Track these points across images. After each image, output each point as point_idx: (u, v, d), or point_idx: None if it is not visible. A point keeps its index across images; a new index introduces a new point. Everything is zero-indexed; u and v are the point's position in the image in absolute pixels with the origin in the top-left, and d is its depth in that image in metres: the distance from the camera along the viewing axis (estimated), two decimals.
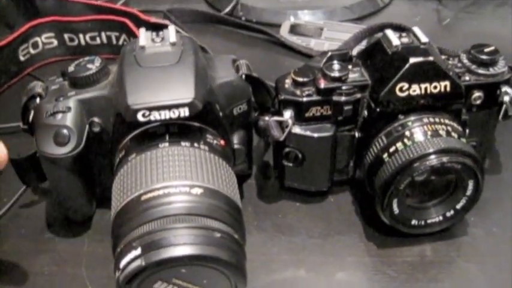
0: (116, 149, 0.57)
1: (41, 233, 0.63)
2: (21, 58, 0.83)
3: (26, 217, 0.64)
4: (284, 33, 0.92)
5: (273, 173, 0.68)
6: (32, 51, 0.84)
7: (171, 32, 0.56)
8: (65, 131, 0.55)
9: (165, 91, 0.52)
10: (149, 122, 0.52)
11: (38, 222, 0.63)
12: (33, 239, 0.62)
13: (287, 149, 0.61)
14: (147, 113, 0.51)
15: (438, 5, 1.02)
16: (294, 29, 0.93)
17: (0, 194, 0.65)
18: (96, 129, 0.57)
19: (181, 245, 0.46)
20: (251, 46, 0.91)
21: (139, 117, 0.51)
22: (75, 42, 0.88)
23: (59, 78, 0.60)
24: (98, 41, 0.89)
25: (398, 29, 0.75)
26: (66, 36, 0.87)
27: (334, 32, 0.91)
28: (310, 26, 0.92)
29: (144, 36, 0.57)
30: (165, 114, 0.52)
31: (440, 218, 0.60)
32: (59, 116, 0.56)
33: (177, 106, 0.52)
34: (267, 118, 0.60)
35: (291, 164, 0.62)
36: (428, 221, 0.60)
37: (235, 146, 0.59)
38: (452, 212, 0.59)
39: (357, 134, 0.61)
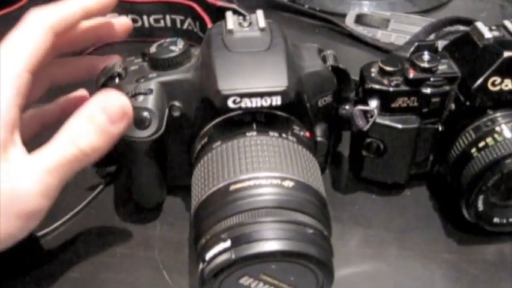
0: (196, 135, 0.52)
1: (111, 217, 0.59)
2: None
3: (96, 202, 0.60)
4: (350, 23, 0.86)
5: (347, 164, 0.63)
6: None
7: (260, 17, 0.52)
8: (146, 114, 0.50)
9: (257, 78, 0.48)
10: (239, 109, 0.47)
11: (107, 206, 0.59)
12: (103, 222, 0.58)
13: (368, 140, 0.56)
14: (238, 99, 0.47)
15: (503, 1, 0.95)
16: (360, 20, 0.87)
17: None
18: (176, 113, 0.52)
19: (274, 239, 0.42)
20: (314, 35, 0.85)
21: (229, 103, 0.47)
22: (139, 24, 0.83)
23: (137, 59, 0.55)
24: (162, 23, 0.84)
25: (468, 23, 0.71)
26: (129, 17, 0.81)
27: (401, 24, 0.86)
28: (377, 17, 0.86)
29: (231, 19, 0.52)
30: (256, 102, 0.47)
31: None
32: (141, 97, 0.51)
33: (270, 94, 0.47)
34: (347, 107, 0.55)
35: (371, 155, 0.56)
36: (511, 220, 0.55)
37: (318, 139, 0.55)
38: None
39: (440, 128, 0.55)
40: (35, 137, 0.52)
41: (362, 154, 0.58)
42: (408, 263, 0.55)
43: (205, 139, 0.50)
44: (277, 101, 0.47)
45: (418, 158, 0.58)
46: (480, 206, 0.53)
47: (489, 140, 0.52)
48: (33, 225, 0.45)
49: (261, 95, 0.47)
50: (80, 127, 0.46)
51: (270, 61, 0.49)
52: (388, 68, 0.54)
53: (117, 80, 0.53)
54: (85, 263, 0.54)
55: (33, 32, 0.48)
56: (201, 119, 0.52)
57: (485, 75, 0.52)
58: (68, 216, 0.58)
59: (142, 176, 0.56)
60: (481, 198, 0.53)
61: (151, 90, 0.51)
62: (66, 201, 0.52)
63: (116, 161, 0.58)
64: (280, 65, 0.48)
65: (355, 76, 0.57)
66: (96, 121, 0.46)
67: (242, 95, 0.47)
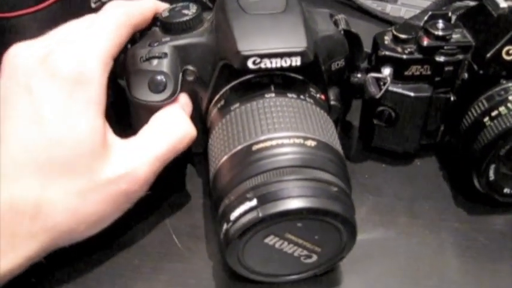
0: (211, 99, 0.52)
1: None
2: (93, 5, 0.78)
3: None
4: None
5: (356, 133, 0.63)
6: None
7: None
8: (161, 77, 0.51)
9: (276, 39, 0.48)
10: (258, 70, 0.47)
11: None
12: None
13: (380, 108, 0.56)
14: (258, 60, 0.47)
15: None
16: None
17: None
18: (190, 77, 0.52)
19: (300, 197, 0.42)
20: (323, 8, 0.85)
21: (250, 64, 0.47)
22: None
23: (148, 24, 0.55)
24: None
25: None
26: None
27: None
28: None
29: None
30: (276, 63, 0.48)
31: None
32: (155, 61, 0.51)
33: (290, 54, 0.48)
34: (359, 75, 0.56)
35: (382, 124, 0.57)
36: None
37: (332, 102, 0.55)
38: None
39: (452, 97, 0.56)
40: None
41: (373, 122, 0.59)
42: (418, 231, 0.55)
43: (222, 102, 0.51)
44: (296, 61, 0.48)
45: (429, 127, 0.59)
46: (491, 175, 0.54)
47: (502, 109, 0.53)
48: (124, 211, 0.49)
49: (281, 55, 0.48)
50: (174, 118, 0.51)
51: (288, 22, 0.49)
52: (402, 36, 0.55)
53: (129, 45, 0.53)
54: None
55: (122, 20, 0.50)
56: (216, 83, 0.52)
57: (499, 44, 0.53)
58: None
59: None
60: (492, 167, 0.53)
61: (165, 54, 0.52)
62: None
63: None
64: (298, 26, 0.49)
65: (365, 48, 0.58)
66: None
67: (262, 56, 0.47)
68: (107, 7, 0.51)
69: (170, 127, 0.49)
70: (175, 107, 0.51)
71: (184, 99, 0.53)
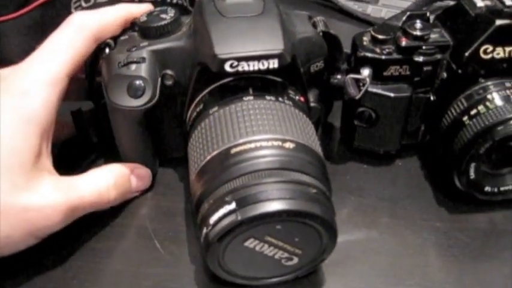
0: (190, 103, 0.52)
1: None
2: (73, 11, 0.78)
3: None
4: None
5: (338, 134, 0.63)
6: (84, 4, 0.79)
7: None
8: (139, 82, 0.50)
9: (253, 41, 0.48)
10: (236, 73, 0.47)
11: None
12: None
13: (360, 109, 0.57)
14: (235, 63, 0.47)
15: None
16: None
17: None
18: (169, 82, 0.53)
19: (279, 199, 0.42)
20: (304, 10, 0.85)
21: (227, 67, 0.47)
22: None
23: (127, 29, 0.55)
24: None
25: None
26: None
27: None
28: None
29: None
30: (254, 66, 0.48)
31: None
32: (133, 66, 0.51)
33: (267, 57, 0.48)
34: (339, 76, 0.56)
35: (363, 124, 0.57)
36: (502, 189, 0.56)
37: (311, 104, 0.55)
38: None
39: (432, 97, 0.56)
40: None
41: (354, 123, 0.59)
42: (400, 231, 0.56)
43: (201, 106, 0.51)
44: (274, 64, 0.48)
45: (410, 127, 0.59)
46: (472, 174, 0.54)
47: (481, 107, 0.53)
48: (39, 240, 0.48)
49: (258, 58, 0.48)
50: (118, 182, 0.53)
51: (265, 25, 0.49)
52: (380, 36, 0.55)
53: (107, 50, 0.53)
54: (75, 233, 0.53)
55: (77, 36, 0.50)
56: (195, 87, 0.53)
57: (477, 43, 0.53)
58: None
59: (134, 146, 0.56)
60: (472, 166, 0.54)
61: (143, 59, 0.51)
62: (59, 169, 0.51)
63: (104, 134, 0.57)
64: (276, 28, 0.49)
65: (346, 49, 0.58)
66: (129, 185, 0.55)
67: (239, 59, 0.47)
68: (67, 20, 0.51)
69: (108, 185, 0.51)
70: (124, 175, 0.54)
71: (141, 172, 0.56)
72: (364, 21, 0.83)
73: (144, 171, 0.55)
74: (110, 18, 0.53)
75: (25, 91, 0.46)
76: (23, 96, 0.46)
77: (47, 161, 0.48)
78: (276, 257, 0.46)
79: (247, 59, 0.47)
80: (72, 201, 0.47)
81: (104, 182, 0.50)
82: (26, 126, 0.46)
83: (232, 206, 0.42)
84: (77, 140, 0.61)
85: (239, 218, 0.41)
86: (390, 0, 0.85)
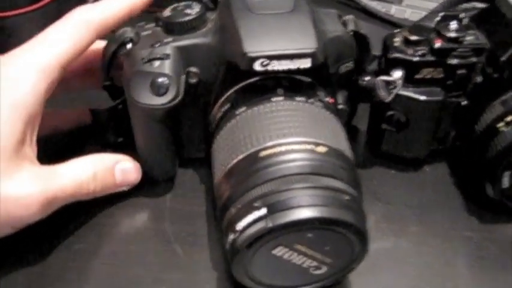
0: (215, 102, 0.50)
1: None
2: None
3: None
4: None
5: (363, 137, 0.62)
6: None
7: None
8: (163, 80, 0.48)
9: (284, 40, 0.46)
10: (265, 72, 0.45)
11: None
12: (111, 194, 0.54)
13: (390, 112, 0.54)
14: (266, 61, 0.45)
15: None
16: None
17: None
18: (193, 80, 0.50)
19: (311, 206, 0.41)
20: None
21: (257, 66, 0.45)
22: None
23: (149, 24, 0.53)
24: None
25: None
26: None
27: None
28: None
29: None
30: (285, 65, 0.46)
31: None
32: (157, 63, 0.49)
33: (299, 56, 0.46)
34: (368, 78, 0.54)
35: (392, 129, 0.55)
36: None
37: (340, 106, 0.53)
38: None
39: (464, 102, 0.54)
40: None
41: (382, 127, 0.57)
42: (429, 240, 0.54)
43: (227, 105, 0.49)
44: (306, 63, 0.46)
45: (440, 133, 0.57)
46: (505, 183, 0.52)
47: None
48: (15, 230, 0.46)
49: (291, 57, 0.46)
50: (99, 173, 0.50)
51: (297, 22, 0.47)
52: (413, 37, 0.53)
53: (129, 46, 0.51)
54: (94, 235, 0.52)
55: (76, 29, 0.48)
56: (221, 86, 0.51)
57: None
58: None
59: (155, 146, 0.54)
60: (506, 174, 0.52)
61: (167, 55, 0.49)
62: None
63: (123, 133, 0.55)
64: (308, 26, 0.47)
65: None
66: (113, 177, 0.52)
67: (270, 57, 0.46)
68: (69, 14, 0.50)
69: (89, 176, 0.49)
70: (107, 167, 0.52)
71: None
72: (388, 22, 0.81)
73: (131, 166, 0.52)
74: (113, 10, 0.51)
75: (14, 77, 0.45)
76: (11, 82, 0.45)
77: (30, 150, 0.46)
78: (304, 265, 0.44)
79: (279, 57, 0.46)
80: (50, 191, 0.45)
81: (85, 172, 0.48)
82: (12, 112, 0.44)
83: (262, 212, 0.40)
84: (93, 138, 0.58)
85: (269, 225, 0.40)
86: (414, 0, 0.82)
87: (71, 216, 0.53)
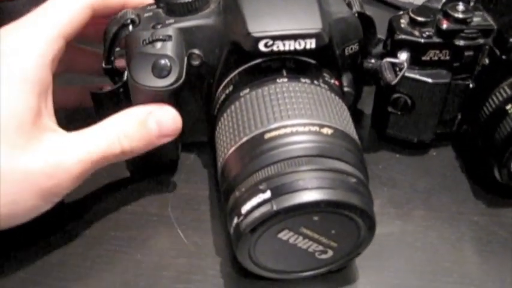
0: (218, 84, 0.49)
1: (123, 174, 0.56)
2: None
3: None
4: None
5: (368, 121, 0.61)
6: None
7: None
8: (165, 61, 0.47)
9: (289, 20, 0.45)
10: (271, 53, 0.45)
11: (120, 163, 0.54)
12: (114, 179, 0.55)
13: (396, 95, 0.53)
14: (270, 42, 0.44)
15: None
16: None
17: None
18: (196, 62, 0.49)
19: (317, 189, 0.39)
20: None
21: (261, 47, 0.44)
22: None
23: (151, 6, 0.51)
24: None
25: None
26: None
27: None
28: None
29: None
30: (290, 45, 0.45)
31: None
32: (159, 44, 0.48)
33: (304, 36, 0.45)
34: (374, 60, 0.53)
35: (398, 112, 0.54)
36: None
37: (345, 89, 0.52)
38: None
39: (471, 84, 0.53)
40: None
41: (387, 110, 0.56)
42: (436, 224, 0.53)
43: (230, 87, 0.48)
44: (311, 44, 0.45)
45: (446, 116, 0.56)
46: None
47: None
48: (53, 204, 0.45)
49: (295, 37, 0.45)
50: (129, 129, 0.47)
51: (302, 3, 0.47)
52: (419, 19, 0.52)
53: (130, 28, 0.50)
54: (96, 220, 0.52)
55: (72, 2, 0.48)
56: (224, 67, 0.50)
57: None
58: None
59: None
60: None
61: (169, 37, 0.48)
62: None
63: None
64: (313, 6, 0.46)
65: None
66: (147, 130, 0.48)
67: (274, 38, 0.45)
68: None
69: (118, 137, 0.46)
70: (133, 119, 0.48)
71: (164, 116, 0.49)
72: (392, 6, 0.80)
73: (166, 115, 0.49)
74: None
75: (18, 49, 0.44)
76: (16, 55, 0.44)
77: (49, 120, 0.45)
78: (310, 250, 0.43)
79: (283, 38, 0.45)
80: (78, 158, 0.44)
81: (113, 131, 0.46)
82: (22, 85, 0.43)
83: (267, 195, 0.39)
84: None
85: (274, 208, 0.39)
86: None
87: (74, 202, 0.52)
